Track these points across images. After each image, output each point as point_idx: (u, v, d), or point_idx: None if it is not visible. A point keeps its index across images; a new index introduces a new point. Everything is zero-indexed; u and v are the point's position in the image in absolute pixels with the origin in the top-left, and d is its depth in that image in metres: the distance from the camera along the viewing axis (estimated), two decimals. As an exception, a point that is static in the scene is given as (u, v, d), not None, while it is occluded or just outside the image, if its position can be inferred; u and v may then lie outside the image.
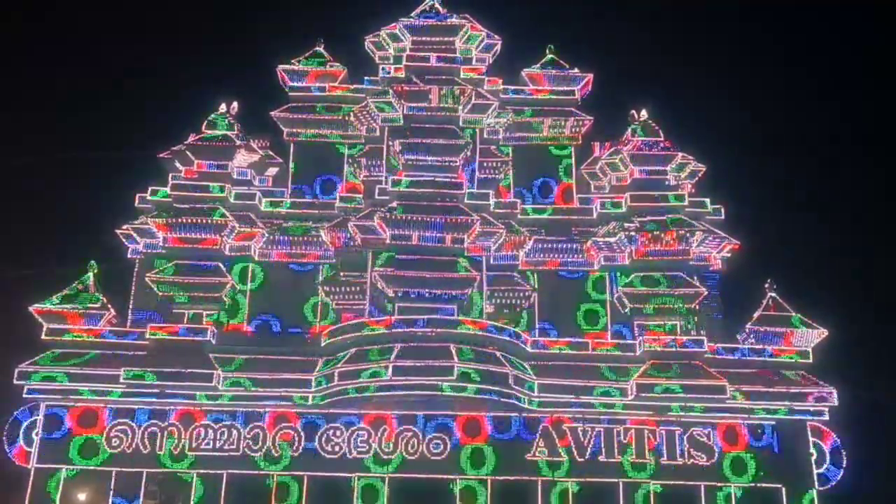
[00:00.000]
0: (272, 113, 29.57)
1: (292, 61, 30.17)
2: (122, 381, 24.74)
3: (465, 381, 24.13)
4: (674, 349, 25.36)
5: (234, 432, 24.87)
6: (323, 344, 25.78)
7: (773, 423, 25.04)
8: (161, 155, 28.99)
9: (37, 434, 24.82)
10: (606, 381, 25.22)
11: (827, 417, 25.02)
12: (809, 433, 24.95)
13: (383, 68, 29.47)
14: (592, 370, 25.50)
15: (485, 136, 28.88)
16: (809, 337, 25.92)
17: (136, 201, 28.09)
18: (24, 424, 25.03)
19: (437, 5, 29.91)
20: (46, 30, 42.97)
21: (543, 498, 24.26)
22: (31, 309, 26.01)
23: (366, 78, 29.84)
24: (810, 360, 25.78)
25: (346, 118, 29.23)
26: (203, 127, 28.42)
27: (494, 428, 24.85)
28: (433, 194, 26.67)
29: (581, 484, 24.49)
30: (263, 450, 24.69)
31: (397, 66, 29.18)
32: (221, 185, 27.42)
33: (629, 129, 28.76)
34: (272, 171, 29.39)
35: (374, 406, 24.76)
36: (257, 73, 31.99)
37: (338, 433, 24.81)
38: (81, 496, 24.17)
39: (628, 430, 24.94)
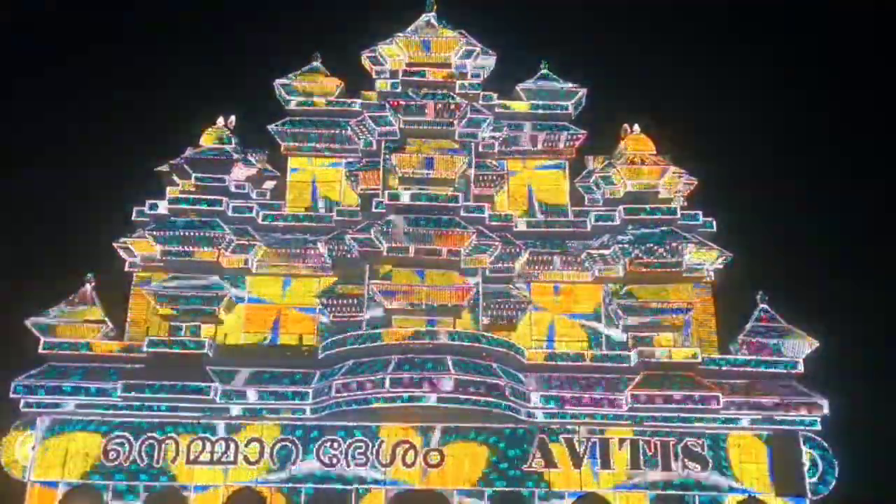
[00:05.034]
0: (269, 127, 29.80)
1: (289, 75, 30.45)
2: (119, 394, 24.83)
3: (462, 392, 24.33)
4: (667, 360, 25.66)
5: (232, 445, 24.96)
6: (320, 356, 25.95)
7: (766, 433, 25.35)
8: (158, 168, 29.25)
9: (33, 448, 24.82)
10: (601, 392, 25.47)
11: (819, 427, 25.34)
12: (802, 443, 25.26)
13: (380, 82, 29.80)
14: (587, 381, 25.75)
15: (480, 149, 29.22)
16: (801, 347, 26.28)
17: (134, 214, 28.20)
18: (21, 438, 25.04)
19: (433, 21, 30.30)
20: (43, 40, 43.05)
21: (540, 508, 24.45)
22: (27, 322, 26.04)
23: (362, 92, 30.18)
24: (802, 371, 26.12)
25: (343, 132, 29.53)
26: (200, 140, 28.65)
27: (491, 439, 25.01)
28: (429, 207, 26.95)
29: (577, 494, 24.69)
30: (261, 462, 24.79)
31: (394, 80, 29.57)
32: (219, 198, 27.59)
33: (621, 143, 29.18)
34: (270, 184, 29.60)
35: (371, 418, 24.88)
36: (255, 87, 32.25)
37: (335, 445, 24.94)
38: (78, 510, 24.19)
39: (623, 440, 25.19)
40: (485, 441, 24.96)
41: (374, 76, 30.30)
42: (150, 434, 24.91)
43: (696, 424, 25.26)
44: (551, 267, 27.93)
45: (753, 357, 26.25)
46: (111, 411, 25.01)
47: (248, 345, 26.94)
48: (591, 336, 27.32)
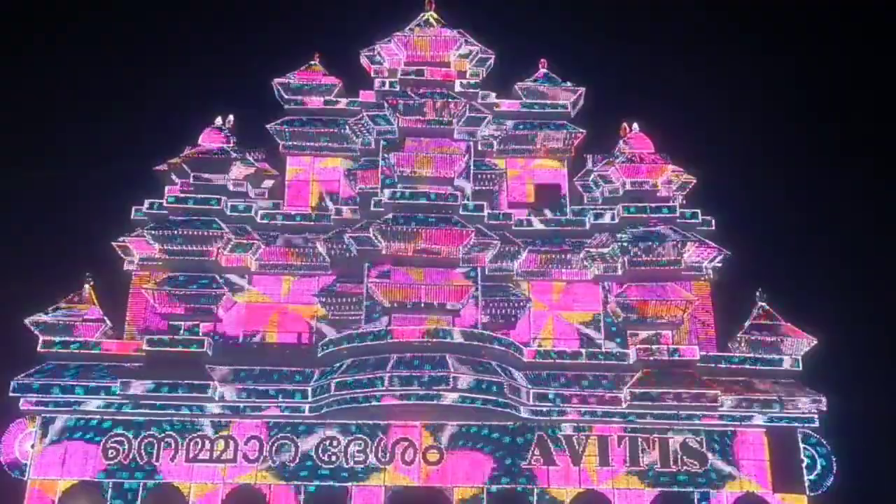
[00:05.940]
0: (267, 126, 29.87)
1: (288, 74, 30.49)
2: (118, 392, 24.85)
3: (461, 390, 24.33)
4: (666, 358, 25.67)
5: (231, 443, 24.98)
6: (319, 355, 25.96)
7: (764, 429, 25.36)
8: (157, 168, 29.31)
9: (33, 446, 24.84)
10: (600, 389, 25.47)
11: (817, 424, 25.35)
12: (800, 440, 25.27)
13: (379, 81, 29.83)
14: (586, 379, 25.74)
15: (479, 148, 29.25)
16: (799, 345, 26.31)
17: (133, 214, 28.24)
18: (20, 437, 25.06)
19: (431, 20, 30.33)
20: (42, 42, 43.16)
21: (539, 506, 24.44)
22: (26, 321, 26.07)
23: (361, 91, 30.17)
24: (800, 368, 26.15)
25: (342, 131, 29.56)
26: (199, 140, 28.70)
27: (490, 436, 25.03)
28: (428, 206, 26.98)
29: (576, 492, 24.68)
30: (260, 460, 24.81)
31: (392, 79, 29.60)
32: (217, 197, 27.63)
33: (620, 142, 29.20)
34: (268, 183, 29.67)
35: (370, 416, 24.91)
36: (254, 86, 32.33)
37: (334, 443, 24.95)
38: (78, 508, 24.21)
39: (622, 437, 25.19)
40: (483, 438, 24.90)
41: (372, 75, 30.33)
42: (149, 432, 24.93)
43: (695, 422, 25.26)
44: (550, 265, 27.96)
45: (752, 355, 26.27)
46: (110, 410, 25.03)
47: (247, 343, 26.94)
48: (591, 334, 27.31)
